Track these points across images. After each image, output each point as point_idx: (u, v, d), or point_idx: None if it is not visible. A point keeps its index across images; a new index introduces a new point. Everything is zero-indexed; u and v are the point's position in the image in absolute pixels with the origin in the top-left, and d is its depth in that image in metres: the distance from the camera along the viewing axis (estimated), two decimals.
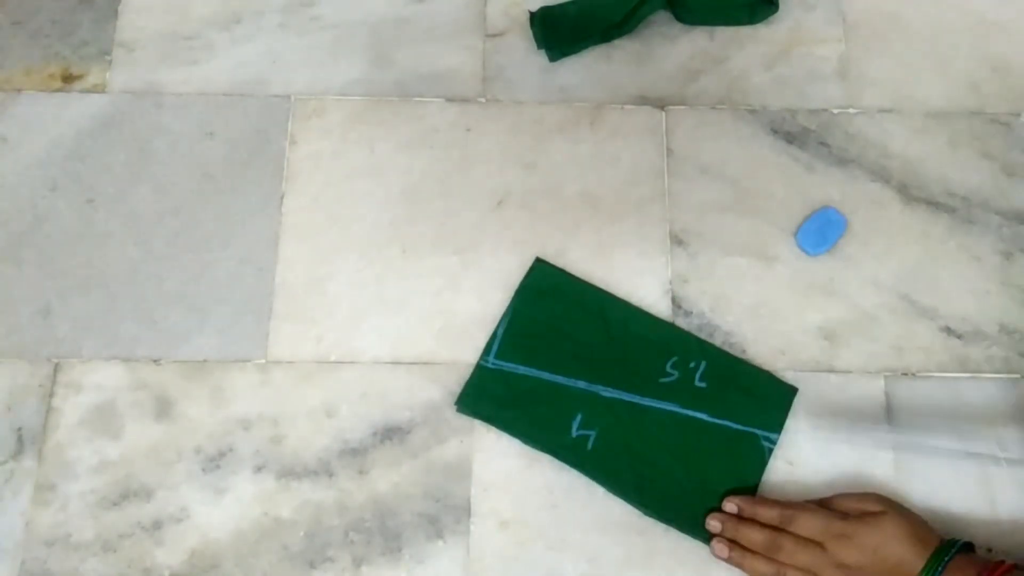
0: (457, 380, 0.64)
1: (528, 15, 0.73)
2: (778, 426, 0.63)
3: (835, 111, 0.72)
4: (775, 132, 0.71)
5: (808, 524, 0.58)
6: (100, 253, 0.67)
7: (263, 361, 0.65)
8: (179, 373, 0.64)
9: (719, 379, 0.64)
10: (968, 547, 0.57)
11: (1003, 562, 0.54)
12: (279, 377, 0.64)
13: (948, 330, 0.66)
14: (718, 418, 0.63)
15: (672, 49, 0.74)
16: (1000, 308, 0.67)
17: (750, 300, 0.67)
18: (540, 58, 0.73)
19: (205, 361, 0.65)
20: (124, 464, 0.62)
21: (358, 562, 0.60)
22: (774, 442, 0.63)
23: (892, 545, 0.56)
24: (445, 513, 0.62)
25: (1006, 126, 0.72)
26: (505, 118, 0.71)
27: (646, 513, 0.61)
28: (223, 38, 0.73)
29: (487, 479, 0.62)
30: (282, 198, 0.69)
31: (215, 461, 0.62)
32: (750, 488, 0.62)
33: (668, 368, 0.64)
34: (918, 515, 0.58)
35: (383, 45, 0.73)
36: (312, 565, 0.60)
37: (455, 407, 0.63)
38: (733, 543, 0.59)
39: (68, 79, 0.72)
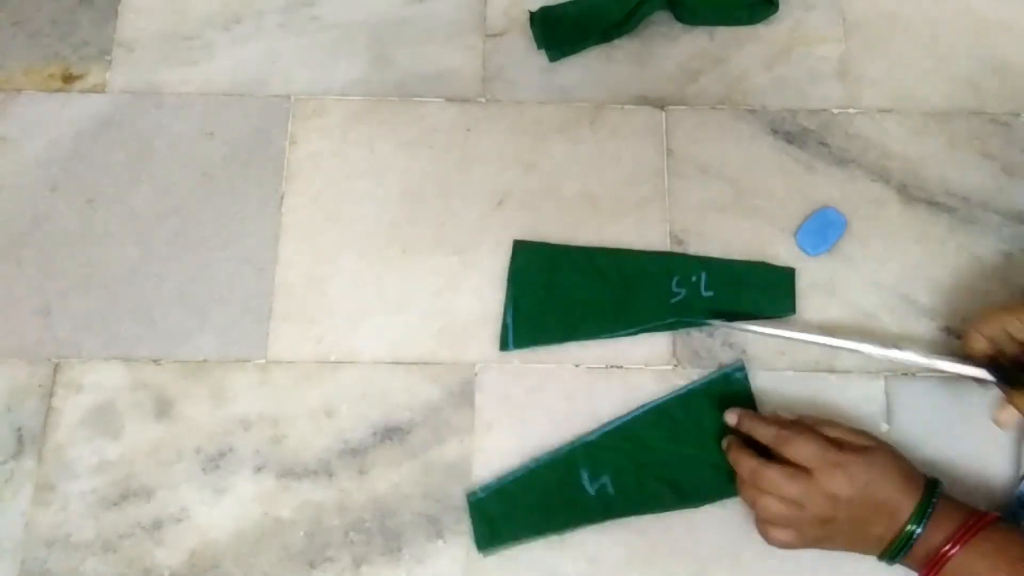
0: (457, 380, 0.64)
1: (528, 15, 0.73)
2: (791, 307, 0.66)
3: (835, 111, 0.72)
4: (775, 132, 0.71)
5: (804, 449, 0.56)
6: (100, 253, 0.67)
7: (263, 361, 0.65)
8: (179, 373, 0.64)
9: (723, 283, 0.66)
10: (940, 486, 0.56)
11: (986, 512, 0.54)
12: (279, 377, 0.64)
13: (948, 330, 0.66)
14: (734, 319, 0.65)
15: (672, 49, 0.74)
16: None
17: None
18: (540, 58, 0.73)
19: (205, 361, 0.65)
20: (124, 464, 0.62)
21: (358, 562, 0.60)
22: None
23: (882, 482, 0.55)
24: (445, 513, 0.62)
25: (1006, 126, 0.72)
26: (505, 118, 0.71)
27: (698, 506, 0.61)
28: (223, 38, 0.73)
29: (487, 479, 0.62)
30: (282, 198, 0.69)
31: (215, 461, 0.63)
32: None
33: (674, 288, 0.66)
34: (903, 454, 0.58)
35: (383, 45, 0.73)
36: (312, 565, 0.60)
37: (479, 552, 0.60)
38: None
39: (68, 79, 0.72)
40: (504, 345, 0.65)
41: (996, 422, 0.57)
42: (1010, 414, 0.57)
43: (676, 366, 0.65)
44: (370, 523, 0.61)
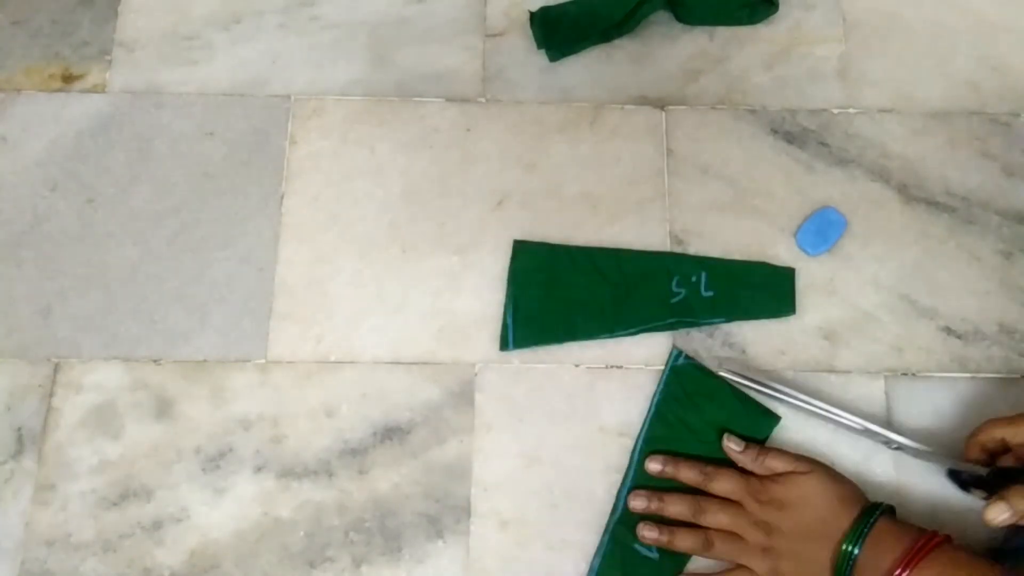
0: (457, 380, 0.64)
1: (528, 15, 0.73)
2: (791, 308, 0.66)
3: (835, 111, 0.72)
4: (775, 132, 0.71)
5: (727, 483, 0.58)
6: (100, 253, 0.67)
7: (263, 361, 0.65)
8: (179, 373, 0.64)
9: (722, 283, 0.66)
10: (891, 512, 0.56)
11: (935, 533, 0.54)
12: (279, 377, 0.64)
13: (948, 330, 0.66)
14: (734, 319, 0.65)
15: (672, 49, 0.74)
16: (1000, 308, 0.67)
17: None
18: (540, 58, 0.73)
19: (205, 361, 0.65)
20: (124, 464, 0.62)
21: (358, 562, 0.60)
22: None
23: (812, 506, 0.55)
24: (445, 513, 0.62)
25: (1006, 126, 0.72)
26: (505, 118, 0.71)
27: None
28: (223, 38, 0.73)
29: (487, 479, 0.62)
30: (282, 198, 0.69)
31: (215, 461, 0.63)
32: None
33: (674, 288, 0.66)
34: (847, 479, 0.58)
35: (383, 45, 0.73)
36: (312, 565, 0.60)
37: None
38: (659, 523, 0.59)
39: (68, 79, 0.72)
40: (504, 345, 0.65)
41: (986, 519, 0.54)
42: (998, 510, 0.54)
43: None
44: (370, 523, 0.61)
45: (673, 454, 0.62)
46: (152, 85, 0.72)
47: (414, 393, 0.64)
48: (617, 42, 0.73)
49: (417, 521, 0.61)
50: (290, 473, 0.62)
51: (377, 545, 0.61)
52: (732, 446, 0.60)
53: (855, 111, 0.72)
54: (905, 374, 0.65)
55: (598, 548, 0.61)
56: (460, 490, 0.62)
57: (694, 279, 0.66)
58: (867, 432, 0.61)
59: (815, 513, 0.55)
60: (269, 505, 0.62)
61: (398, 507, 0.62)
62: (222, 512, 0.61)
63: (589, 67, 0.73)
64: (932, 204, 0.69)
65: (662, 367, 0.65)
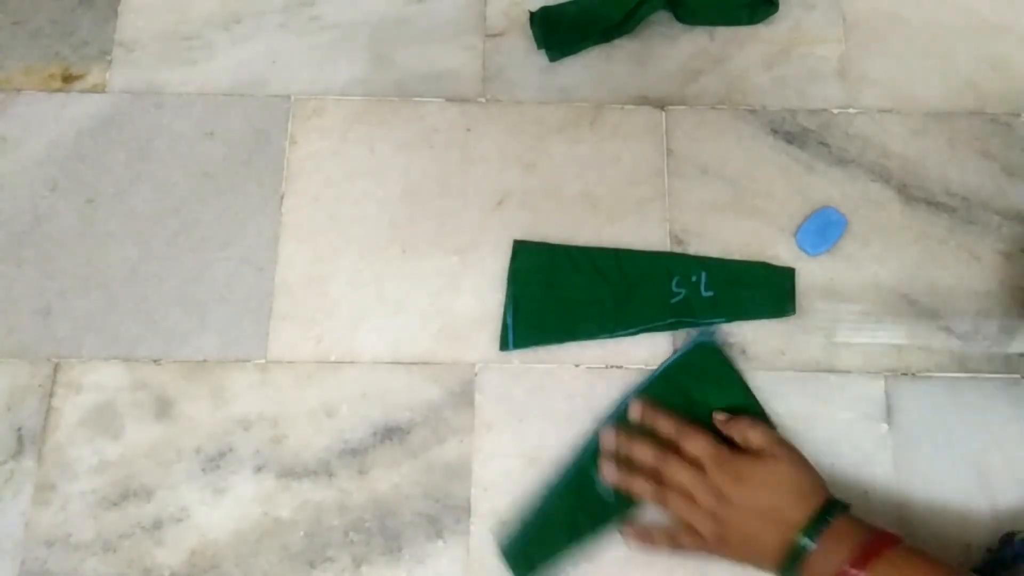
0: (457, 380, 0.64)
1: (528, 15, 0.73)
2: (791, 308, 0.66)
3: (835, 111, 0.72)
4: (775, 132, 0.71)
5: (698, 444, 0.59)
6: (100, 253, 0.67)
7: (263, 361, 0.65)
8: (179, 373, 0.64)
9: (722, 283, 0.66)
10: (846, 509, 0.56)
11: (889, 533, 0.53)
12: (279, 377, 0.64)
13: (948, 330, 0.66)
14: (734, 319, 0.65)
15: (672, 49, 0.74)
16: (1000, 308, 0.67)
17: None
18: (540, 58, 0.73)
19: (205, 361, 0.65)
20: (124, 464, 0.62)
21: (358, 562, 0.60)
22: None
23: (772, 489, 0.55)
24: (445, 513, 0.62)
25: (1006, 126, 0.71)
26: (505, 118, 0.71)
27: None
28: (223, 38, 0.73)
29: (487, 479, 0.62)
30: (282, 198, 0.69)
31: (215, 461, 0.63)
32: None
33: (674, 288, 0.66)
34: (815, 471, 0.57)
35: (383, 45, 0.73)
36: (312, 565, 0.60)
37: None
38: (623, 462, 0.60)
39: (68, 79, 0.72)
40: (504, 345, 0.65)
41: None
42: None
43: None
44: (370, 523, 0.61)
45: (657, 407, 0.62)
46: (152, 85, 0.72)
47: (414, 393, 0.64)
48: (617, 42, 0.73)
49: (417, 521, 0.61)
50: (290, 473, 0.62)
51: (377, 545, 0.61)
52: (719, 417, 0.61)
53: (855, 111, 0.72)
54: (905, 374, 0.65)
55: (550, 484, 0.61)
56: (460, 490, 0.62)
57: (694, 279, 0.66)
58: None
59: (772, 497, 0.55)
60: (269, 505, 0.62)
61: (398, 507, 0.62)
62: (222, 512, 0.61)
63: (589, 67, 0.73)
64: (932, 204, 0.69)
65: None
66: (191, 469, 0.62)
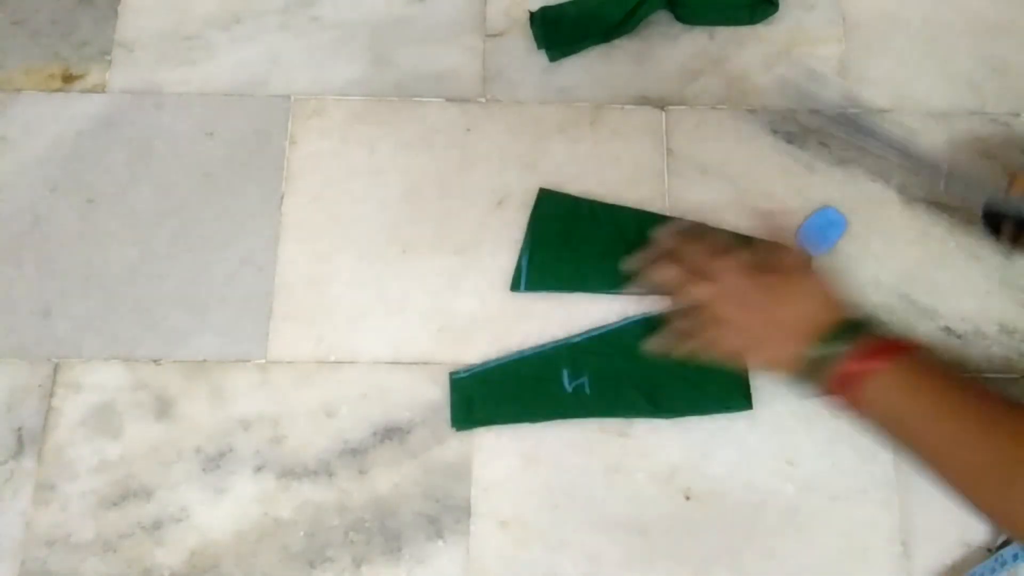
0: None
1: (528, 15, 0.73)
2: None
3: (835, 111, 0.72)
4: (775, 132, 0.71)
5: (730, 256, 0.59)
6: (100, 253, 0.67)
7: (263, 361, 0.65)
8: (179, 373, 0.64)
9: None
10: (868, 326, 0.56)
11: (911, 340, 0.54)
12: (279, 377, 0.64)
13: (948, 330, 0.66)
14: None
15: (672, 49, 0.74)
16: (1000, 308, 0.67)
17: None
18: (540, 58, 0.73)
19: (205, 361, 0.65)
20: (124, 464, 0.62)
21: (358, 562, 0.60)
22: None
23: (799, 301, 0.56)
24: (445, 513, 0.62)
25: (1006, 126, 0.71)
26: (505, 118, 0.71)
27: (669, 417, 0.63)
28: (223, 38, 0.73)
29: (487, 479, 0.62)
30: (282, 198, 0.69)
31: (215, 461, 0.63)
32: None
33: None
34: (841, 289, 0.58)
35: (383, 45, 0.73)
36: (312, 565, 0.60)
37: (454, 428, 0.63)
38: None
39: (68, 79, 0.72)
40: (515, 286, 0.66)
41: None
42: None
43: None
44: (370, 523, 0.61)
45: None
46: (152, 85, 0.72)
47: (414, 393, 0.64)
48: (617, 42, 0.73)
49: (417, 521, 0.61)
50: (290, 473, 0.62)
51: (377, 545, 0.61)
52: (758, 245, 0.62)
53: (855, 111, 0.72)
54: None
55: (519, 354, 0.64)
56: (460, 490, 0.62)
57: None
58: (921, 163, 0.63)
59: (799, 306, 0.56)
60: (269, 505, 0.62)
61: (398, 507, 0.62)
62: (222, 512, 0.61)
63: (589, 67, 0.73)
64: (932, 204, 0.69)
65: None
66: (191, 469, 0.62)
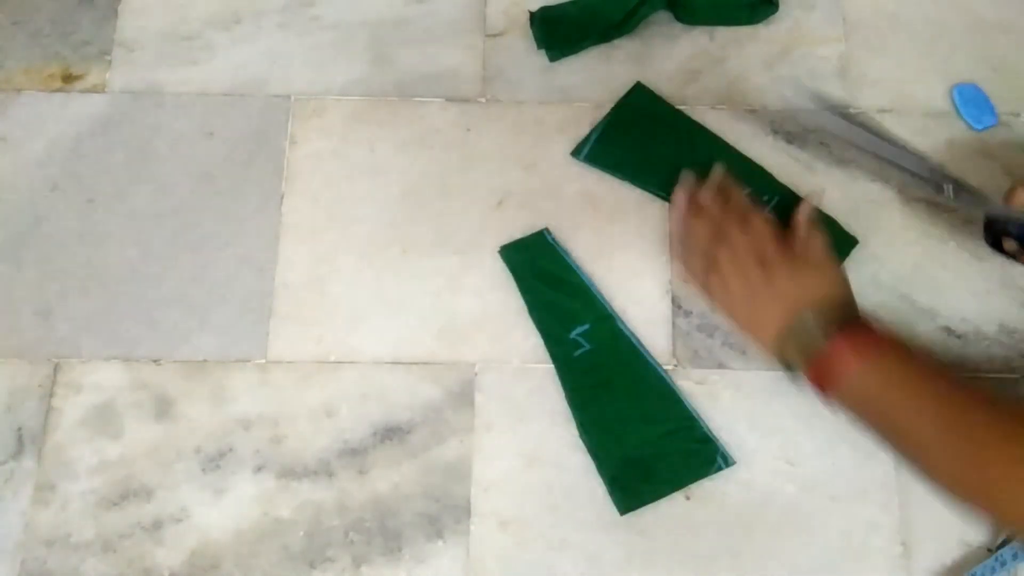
0: (457, 380, 0.64)
1: (528, 15, 0.73)
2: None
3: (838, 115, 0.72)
4: (775, 132, 0.71)
5: (762, 219, 0.61)
6: (100, 253, 0.67)
7: (263, 361, 0.65)
8: (179, 373, 0.64)
9: (788, 214, 0.65)
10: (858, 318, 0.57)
11: (898, 335, 0.54)
12: (279, 377, 0.64)
13: (948, 330, 0.66)
14: None
15: (672, 49, 0.74)
16: (1000, 308, 0.67)
17: None
18: (540, 58, 0.73)
19: (205, 361, 0.65)
20: (124, 464, 0.62)
21: (358, 562, 0.60)
22: None
23: (803, 288, 0.57)
24: (445, 513, 0.62)
25: (1006, 126, 0.71)
26: (505, 118, 0.71)
27: (583, 439, 0.63)
28: (223, 38, 0.73)
29: (487, 479, 0.62)
30: (282, 198, 0.69)
31: (215, 461, 0.63)
32: None
33: None
34: (851, 291, 0.58)
35: (383, 45, 0.73)
36: (312, 565, 0.60)
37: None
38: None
39: (68, 79, 0.72)
40: (577, 152, 0.69)
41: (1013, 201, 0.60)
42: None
43: (676, 366, 0.65)
44: (370, 523, 0.61)
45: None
46: (152, 85, 0.72)
47: (414, 393, 0.64)
48: (617, 42, 0.73)
49: (417, 521, 0.61)
50: (290, 473, 0.62)
51: (377, 545, 0.61)
52: (800, 219, 0.62)
53: (855, 111, 0.72)
54: None
55: None
56: (460, 490, 0.62)
57: (765, 198, 0.68)
58: (924, 169, 0.64)
59: (798, 290, 0.57)
60: (269, 505, 0.62)
61: (398, 507, 0.62)
62: (222, 512, 0.61)
63: (589, 67, 0.73)
64: (932, 204, 0.69)
65: (663, 367, 0.65)
66: (191, 469, 0.62)
